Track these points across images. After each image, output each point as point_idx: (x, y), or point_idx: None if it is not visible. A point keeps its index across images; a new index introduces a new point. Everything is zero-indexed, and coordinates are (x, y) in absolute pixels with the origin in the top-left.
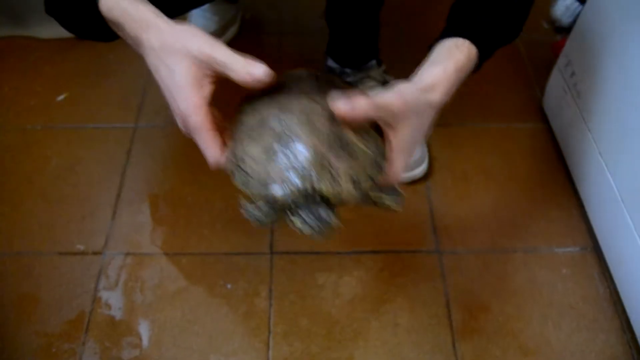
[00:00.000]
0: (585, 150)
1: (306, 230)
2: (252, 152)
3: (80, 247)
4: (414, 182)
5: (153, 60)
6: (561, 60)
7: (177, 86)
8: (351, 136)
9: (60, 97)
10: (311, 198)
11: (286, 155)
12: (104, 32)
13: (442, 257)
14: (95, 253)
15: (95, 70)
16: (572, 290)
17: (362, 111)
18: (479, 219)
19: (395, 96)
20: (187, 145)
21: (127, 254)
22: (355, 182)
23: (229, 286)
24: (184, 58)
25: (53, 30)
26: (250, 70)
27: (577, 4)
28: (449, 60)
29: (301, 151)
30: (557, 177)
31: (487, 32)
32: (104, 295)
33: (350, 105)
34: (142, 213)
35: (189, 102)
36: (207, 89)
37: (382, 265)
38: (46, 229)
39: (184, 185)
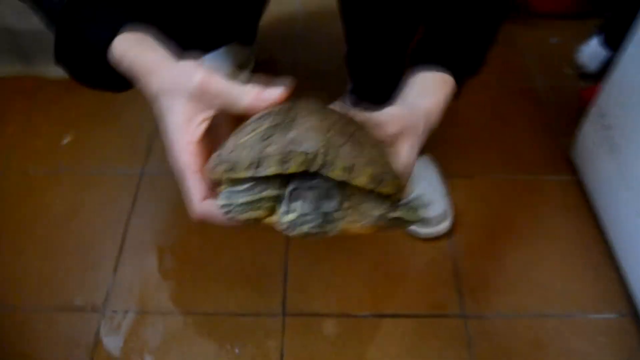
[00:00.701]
0: (623, 209)
1: (298, 224)
2: (244, 139)
3: (80, 303)
4: (437, 238)
5: (156, 107)
6: (594, 111)
7: (170, 129)
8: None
9: (66, 140)
10: (311, 182)
11: (288, 134)
12: (115, 83)
13: (468, 322)
14: (94, 310)
15: (103, 111)
16: None
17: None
18: (508, 281)
19: (399, 113)
20: None
21: (128, 311)
22: (372, 177)
23: (237, 351)
24: (179, 97)
25: (61, 70)
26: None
27: (603, 49)
28: (441, 93)
29: (308, 130)
30: (590, 235)
31: (463, 67)
32: (103, 356)
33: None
34: (146, 266)
35: (178, 142)
36: (199, 127)
37: (404, 330)
38: (44, 281)
39: (191, 236)
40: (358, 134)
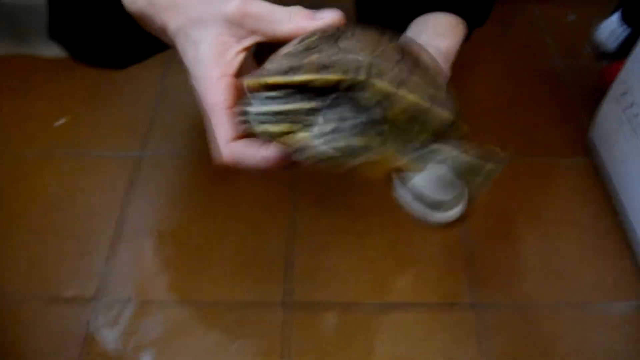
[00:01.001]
0: None
1: (320, 144)
2: (287, 50)
3: (73, 292)
4: (448, 224)
5: (180, 42)
6: (616, 88)
7: (200, 61)
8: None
9: (61, 121)
10: (345, 96)
11: (337, 45)
12: (115, 55)
13: (482, 312)
14: (88, 299)
15: (101, 92)
16: (633, 353)
17: None
18: (523, 269)
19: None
20: (199, 177)
21: (125, 301)
22: (428, 96)
23: (240, 342)
24: (212, 26)
25: (58, 49)
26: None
27: (623, 27)
28: (455, 35)
29: (359, 43)
30: (608, 221)
31: (473, 14)
32: (97, 349)
33: None
34: (144, 253)
35: (209, 76)
36: (236, 59)
37: (414, 320)
38: (36, 268)
39: (192, 222)
40: (409, 58)
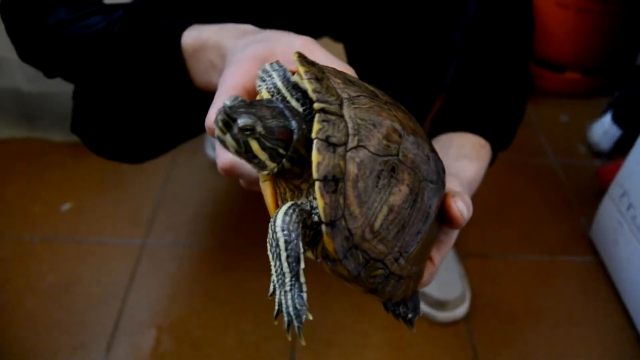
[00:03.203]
0: None
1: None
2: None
3: None
4: (454, 323)
5: (231, 56)
6: (614, 190)
7: (233, 63)
8: None
9: (65, 206)
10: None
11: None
12: (133, 150)
13: None
14: None
15: (107, 179)
16: None
17: None
18: None
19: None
20: (200, 269)
21: None
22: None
23: None
24: (265, 42)
25: (67, 134)
26: None
27: (615, 128)
28: (480, 160)
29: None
30: (615, 320)
31: (499, 134)
32: None
33: None
34: (142, 348)
35: (240, 66)
36: None
37: None
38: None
39: (192, 316)
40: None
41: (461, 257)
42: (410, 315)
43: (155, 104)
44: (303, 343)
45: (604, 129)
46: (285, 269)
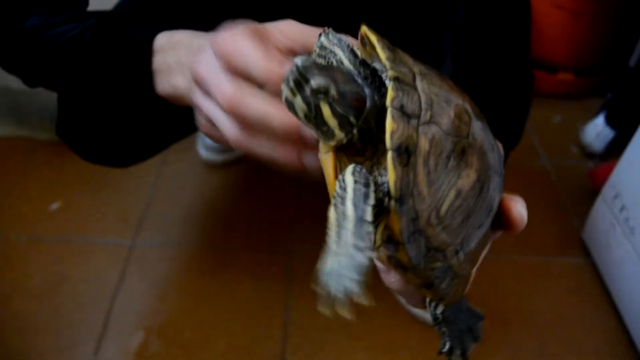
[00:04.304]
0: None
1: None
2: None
3: None
4: None
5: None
6: (607, 192)
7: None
8: None
9: (54, 205)
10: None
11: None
12: (120, 154)
13: None
14: None
15: (97, 178)
16: None
17: None
18: None
19: None
20: (191, 269)
21: None
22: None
23: None
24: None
25: (53, 133)
26: None
27: (608, 129)
28: None
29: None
30: (607, 321)
31: (509, 133)
32: None
33: None
34: (130, 350)
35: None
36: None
37: None
38: None
39: (181, 317)
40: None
41: None
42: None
43: (137, 107)
44: (367, 302)
45: (597, 130)
46: (350, 211)
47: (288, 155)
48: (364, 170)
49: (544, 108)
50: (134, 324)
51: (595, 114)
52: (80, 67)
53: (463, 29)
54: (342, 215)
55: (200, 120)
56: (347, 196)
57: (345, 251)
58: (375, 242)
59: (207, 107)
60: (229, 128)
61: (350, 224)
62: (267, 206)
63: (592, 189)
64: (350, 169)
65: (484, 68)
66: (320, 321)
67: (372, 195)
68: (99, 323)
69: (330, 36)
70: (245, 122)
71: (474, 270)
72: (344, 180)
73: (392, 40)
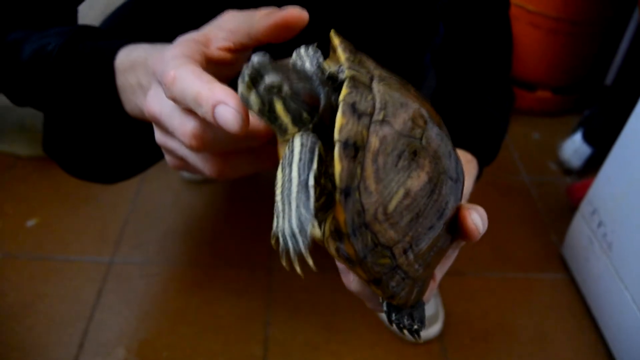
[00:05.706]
0: (622, 310)
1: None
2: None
3: None
4: (428, 342)
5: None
6: (585, 208)
7: (162, 58)
8: None
9: (31, 222)
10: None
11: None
12: (107, 171)
13: None
14: None
15: (74, 193)
16: None
17: None
18: None
19: None
20: (169, 288)
21: None
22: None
23: None
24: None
25: (33, 148)
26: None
27: (585, 146)
28: (468, 175)
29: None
30: (588, 337)
31: (484, 150)
32: None
33: None
34: None
35: (170, 54)
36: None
37: None
38: None
39: (160, 336)
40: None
41: None
42: (416, 327)
43: (116, 124)
44: (310, 263)
45: (574, 147)
46: (294, 173)
47: (267, 160)
48: (311, 136)
49: (523, 125)
50: (111, 343)
51: (572, 131)
52: (49, 85)
53: (444, 47)
54: (287, 177)
55: (170, 160)
56: (294, 159)
57: (289, 213)
58: (324, 232)
59: (172, 147)
60: (203, 164)
61: (294, 187)
62: (247, 223)
63: (570, 204)
64: (299, 133)
65: (463, 85)
66: (301, 337)
67: (316, 160)
68: (75, 343)
69: (309, 48)
70: (219, 155)
71: (438, 278)
72: (292, 143)
73: (372, 57)
